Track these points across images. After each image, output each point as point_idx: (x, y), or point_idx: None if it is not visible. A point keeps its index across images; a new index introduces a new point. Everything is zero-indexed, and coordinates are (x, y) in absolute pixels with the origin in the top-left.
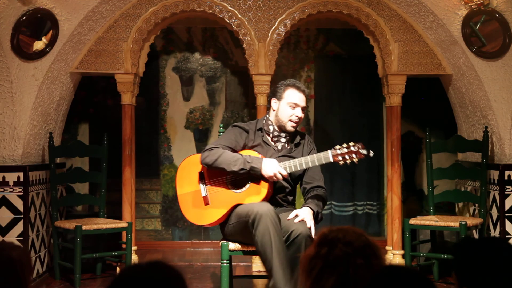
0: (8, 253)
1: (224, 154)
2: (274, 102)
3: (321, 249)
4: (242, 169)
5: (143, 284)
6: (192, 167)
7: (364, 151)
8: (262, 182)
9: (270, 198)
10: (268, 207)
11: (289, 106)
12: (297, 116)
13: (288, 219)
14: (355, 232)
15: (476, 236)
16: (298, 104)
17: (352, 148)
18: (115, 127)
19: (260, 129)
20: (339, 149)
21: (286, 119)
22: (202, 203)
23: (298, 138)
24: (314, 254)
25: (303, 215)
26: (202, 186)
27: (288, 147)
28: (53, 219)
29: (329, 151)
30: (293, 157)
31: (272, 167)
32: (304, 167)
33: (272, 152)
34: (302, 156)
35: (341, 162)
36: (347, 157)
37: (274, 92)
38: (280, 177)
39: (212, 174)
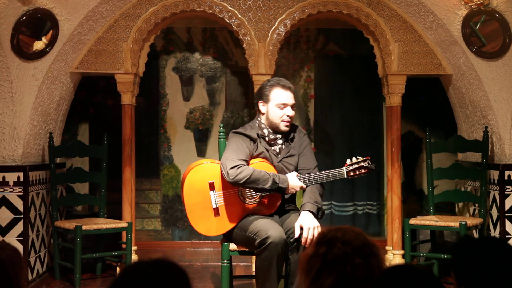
0: None
1: (255, 173)
2: (261, 105)
3: (320, 248)
4: (269, 189)
5: (147, 282)
6: (201, 176)
7: (373, 166)
8: (274, 195)
9: None
10: (280, 234)
11: (277, 107)
12: (288, 116)
13: (297, 237)
14: (353, 231)
15: (476, 236)
16: (286, 103)
17: (363, 164)
18: (115, 127)
19: (258, 135)
20: (350, 164)
21: (278, 120)
22: (212, 214)
23: (291, 134)
24: (313, 253)
25: (307, 225)
26: (212, 197)
27: (285, 147)
28: (53, 219)
29: (343, 169)
30: (292, 155)
31: (296, 185)
32: (319, 181)
33: (272, 156)
34: (297, 151)
35: (352, 177)
36: (357, 172)
37: (260, 95)
38: (302, 188)
39: (224, 185)
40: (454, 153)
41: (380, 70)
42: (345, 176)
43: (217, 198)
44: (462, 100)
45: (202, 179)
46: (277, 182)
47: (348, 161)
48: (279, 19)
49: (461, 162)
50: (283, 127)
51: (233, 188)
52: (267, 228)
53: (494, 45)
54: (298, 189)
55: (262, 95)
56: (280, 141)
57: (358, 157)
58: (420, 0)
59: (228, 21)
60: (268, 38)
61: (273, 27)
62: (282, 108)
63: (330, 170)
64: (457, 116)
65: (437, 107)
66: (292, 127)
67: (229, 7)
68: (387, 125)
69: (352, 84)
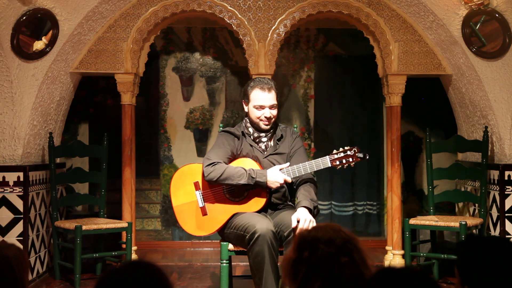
0: (4, 252)
1: (228, 169)
2: (244, 105)
3: (303, 252)
4: (247, 184)
5: (126, 284)
6: (186, 177)
7: (360, 155)
8: (260, 191)
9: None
10: (267, 225)
11: (255, 108)
12: (265, 117)
13: (294, 227)
14: (332, 228)
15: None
16: (263, 105)
17: (349, 152)
18: (115, 127)
19: (243, 133)
20: (336, 153)
21: (257, 120)
22: (200, 214)
23: (279, 133)
24: (296, 258)
25: (304, 217)
26: (198, 197)
27: (273, 144)
28: (53, 219)
29: (327, 157)
30: (280, 153)
31: (277, 178)
32: (303, 172)
33: (258, 153)
34: (286, 149)
35: (338, 166)
36: (344, 161)
37: (243, 95)
38: (289, 180)
39: (209, 184)
40: (454, 153)
41: (380, 70)
42: (329, 165)
43: (203, 197)
44: (462, 100)
45: (187, 179)
46: (254, 176)
47: (335, 151)
48: (279, 19)
49: (461, 162)
50: (262, 125)
51: (218, 187)
52: (254, 222)
53: (494, 45)
54: (281, 182)
55: (245, 95)
56: (264, 139)
57: (345, 147)
58: (420, 0)
59: (228, 21)
60: (268, 38)
61: (273, 27)
62: (259, 109)
63: (313, 160)
64: (457, 116)
65: (437, 107)
66: (282, 127)
67: (229, 7)
68: (387, 125)
69: (352, 84)
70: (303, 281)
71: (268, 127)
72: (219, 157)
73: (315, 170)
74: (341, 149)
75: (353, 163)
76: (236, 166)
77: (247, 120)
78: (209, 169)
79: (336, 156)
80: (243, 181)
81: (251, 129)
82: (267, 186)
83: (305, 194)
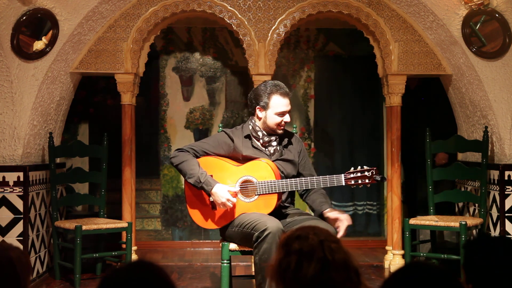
0: (8, 253)
1: (186, 162)
2: (259, 110)
3: (292, 245)
4: (194, 185)
5: (129, 285)
6: (204, 168)
7: (378, 177)
8: (272, 194)
9: None
10: (277, 224)
11: (277, 115)
12: (285, 122)
13: (331, 217)
14: (311, 227)
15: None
16: (285, 111)
17: (366, 173)
18: (115, 127)
19: (248, 136)
20: (352, 172)
21: (276, 126)
22: (209, 207)
23: (286, 140)
24: (286, 253)
25: (343, 216)
26: None
27: (279, 150)
28: (53, 219)
29: (342, 176)
30: (286, 160)
31: (221, 196)
32: (316, 186)
33: (264, 156)
34: (294, 156)
35: (353, 186)
36: (359, 181)
37: (257, 100)
38: (230, 205)
39: (222, 180)
40: (454, 153)
41: (380, 70)
42: (343, 184)
43: None
44: (462, 100)
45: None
46: (201, 181)
47: (352, 169)
48: (279, 19)
49: (461, 162)
50: (279, 131)
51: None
52: (264, 220)
53: (494, 45)
54: (224, 201)
55: (260, 101)
56: (274, 143)
57: (364, 166)
58: (420, 0)
59: (228, 21)
60: (268, 38)
61: (273, 27)
62: (281, 116)
63: (328, 176)
64: (457, 116)
65: (437, 107)
66: (288, 134)
67: (229, 7)
68: (387, 125)
69: (352, 84)
70: (296, 269)
71: (283, 132)
72: (196, 147)
73: (328, 186)
74: (359, 168)
75: (369, 184)
76: (195, 164)
77: (256, 123)
78: (175, 153)
79: (352, 176)
80: (190, 181)
81: (260, 133)
82: (211, 195)
83: (324, 197)
